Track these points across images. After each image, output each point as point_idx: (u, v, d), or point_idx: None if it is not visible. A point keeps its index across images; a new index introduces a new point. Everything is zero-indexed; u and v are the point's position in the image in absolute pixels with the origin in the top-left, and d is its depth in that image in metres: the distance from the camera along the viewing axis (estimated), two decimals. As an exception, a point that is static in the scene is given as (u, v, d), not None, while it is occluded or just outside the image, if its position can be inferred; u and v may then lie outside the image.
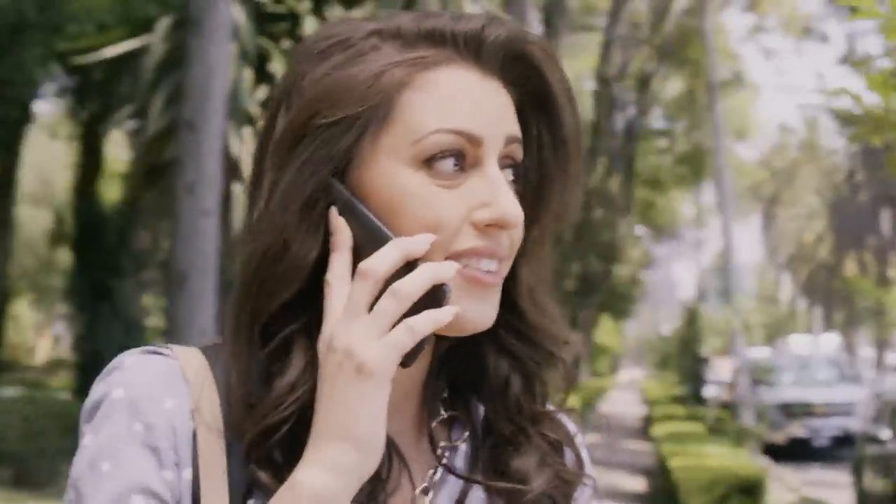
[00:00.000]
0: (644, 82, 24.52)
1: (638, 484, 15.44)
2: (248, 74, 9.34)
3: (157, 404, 0.88)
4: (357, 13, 9.20)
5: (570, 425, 1.04)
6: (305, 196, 0.88)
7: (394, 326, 0.84)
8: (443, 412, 0.99)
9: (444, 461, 0.96)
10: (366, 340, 0.83)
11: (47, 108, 19.57)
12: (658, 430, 15.98)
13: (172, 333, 6.83)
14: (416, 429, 0.97)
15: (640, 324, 65.25)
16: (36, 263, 31.95)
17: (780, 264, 51.44)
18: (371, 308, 0.84)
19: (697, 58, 22.33)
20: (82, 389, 14.77)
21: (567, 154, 0.95)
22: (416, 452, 0.96)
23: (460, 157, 0.89)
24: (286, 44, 9.59)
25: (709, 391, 22.77)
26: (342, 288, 0.86)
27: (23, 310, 30.88)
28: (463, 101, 0.89)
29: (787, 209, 46.74)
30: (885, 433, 10.98)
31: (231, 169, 8.45)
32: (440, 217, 0.88)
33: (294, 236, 0.88)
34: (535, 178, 0.96)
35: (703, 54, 18.88)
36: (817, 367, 20.52)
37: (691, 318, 24.09)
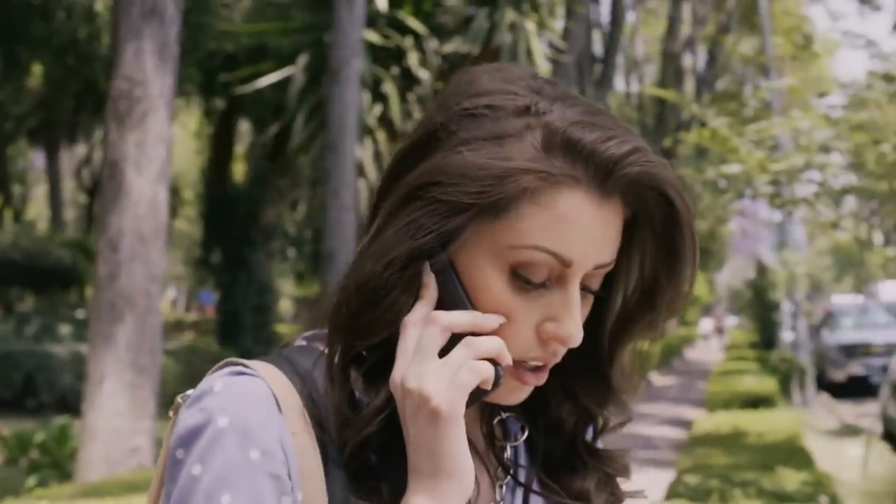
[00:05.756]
0: (712, 51, 25.82)
1: (699, 414, 17.90)
2: (366, 96, 11.85)
3: (268, 430, 0.87)
4: (448, 47, 11.56)
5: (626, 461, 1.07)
6: (405, 252, 0.89)
7: None
8: (501, 413, 1.03)
9: (508, 465, 1.02)
10: (437, 384, 0.86)
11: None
12: (717, 368, 18.40)
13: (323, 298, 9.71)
14: (477, 427, 1.01)
15: (736, 274, 65.96)
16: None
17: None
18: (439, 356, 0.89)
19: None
20: (224, 342, 17.46)
21: (684, 274, 0.96)
22: (482, 452, 1.00)
23: (550, 271, 0.91)
24: (395, 70, 12.15)
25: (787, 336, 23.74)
26: (417, 333, 0.89)
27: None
28: (571, 228, 0.89)
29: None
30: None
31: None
32: (511, 318, 0.91)
33: (391, 285, 0.90)
34: (643, 282, 0.98)
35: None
36: (877, 313, 22.23)
37: (761, 268, 25.45)
